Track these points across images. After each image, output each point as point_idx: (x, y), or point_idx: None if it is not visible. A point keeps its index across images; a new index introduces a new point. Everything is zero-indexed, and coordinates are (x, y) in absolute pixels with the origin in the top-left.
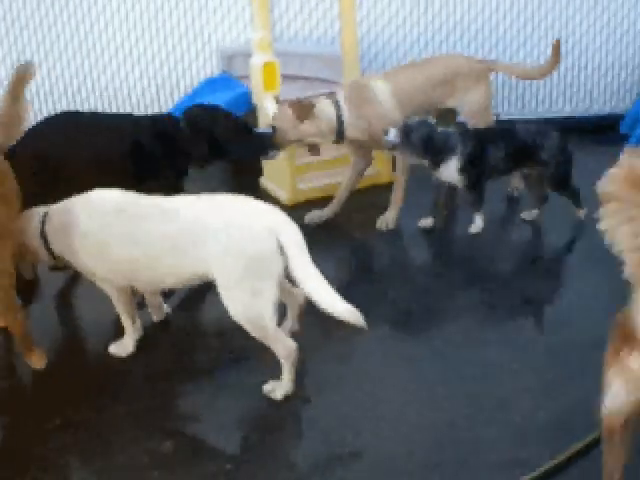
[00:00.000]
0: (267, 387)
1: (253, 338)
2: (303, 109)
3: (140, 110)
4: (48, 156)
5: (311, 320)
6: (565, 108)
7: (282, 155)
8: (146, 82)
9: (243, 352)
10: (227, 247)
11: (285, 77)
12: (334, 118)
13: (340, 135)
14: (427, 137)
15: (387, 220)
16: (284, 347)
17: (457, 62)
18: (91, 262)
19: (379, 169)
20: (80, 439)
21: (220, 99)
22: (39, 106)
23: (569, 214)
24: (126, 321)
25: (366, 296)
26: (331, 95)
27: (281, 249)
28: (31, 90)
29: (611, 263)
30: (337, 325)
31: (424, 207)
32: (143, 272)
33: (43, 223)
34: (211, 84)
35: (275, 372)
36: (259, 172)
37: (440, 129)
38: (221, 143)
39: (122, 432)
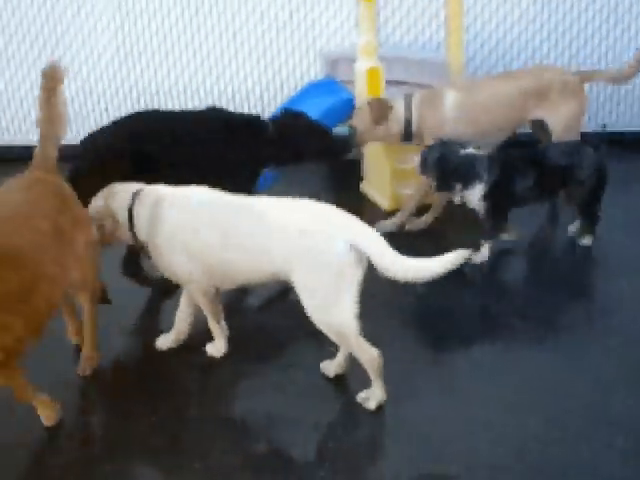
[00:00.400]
0: (361, 395)
1: None
2: (380, 111)
3: (244, 111)
4: (141, 149)
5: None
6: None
7: (382, 159)
8: (250, 84)
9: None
10: (310, 256)
11: (389, 82)
12: (402, 120)
13: (408, 137)
14: (442, 160)
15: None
16: (367, 355)
17: (550, 74)
18: (174, 258)
19: None
20: (173, 439)
21: (324, 104)
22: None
23: None
24: (212, 323)
25: (463, 308)
26: (407, 97)
27: (362, 258)
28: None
29: None
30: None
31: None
32: (224, 268)
33: (132, 201)
34: (315, 88)
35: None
36: (359, 177)
37: (466, 152)
38: (302, 149)
39: (216, 434)
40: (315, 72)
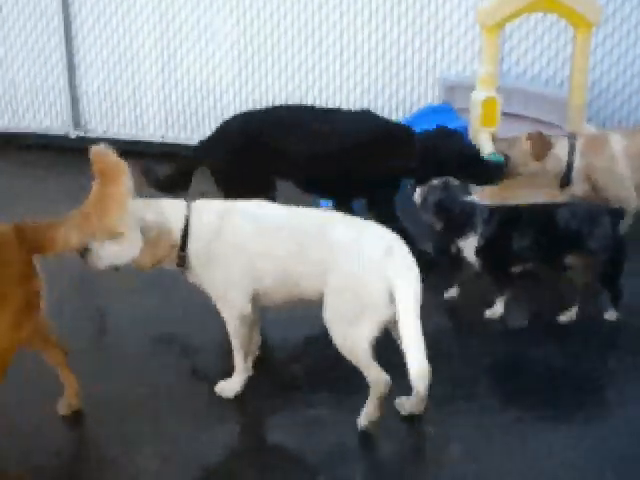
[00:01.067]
0: (361, 418)
1: None
2: (542, 148)
3: None
4: (276, 138)
5: None
6: None
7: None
8: (366, 102)
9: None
10: (344, 274)
11: (507, 115)
12: (564, 163)
13: (566, 181)
14: (441, 203)
15: None
16: (375, 375)
17: None
18: (231, 273)
19: None
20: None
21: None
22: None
23: None
24: (239, 356)
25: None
26: (570, 139)
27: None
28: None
29: None
30: None
31: None
32: (286, 282)
33: (189, 214)
34: (432, 113)
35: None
36: None
37: (467, 200)
38: (447, 168)
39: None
40: (432, 97)
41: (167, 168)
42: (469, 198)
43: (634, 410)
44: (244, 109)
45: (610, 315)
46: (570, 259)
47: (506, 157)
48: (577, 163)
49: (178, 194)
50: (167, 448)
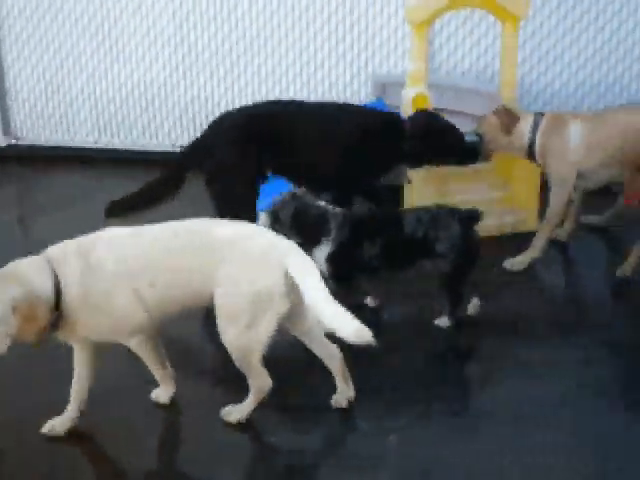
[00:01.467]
0: (225, 409)
1: None
2: (510, 121)
3: None
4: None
5: None
6: None
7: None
8: None
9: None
10: (236, 276)
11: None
12: (527, 139)
13: (529, 155)
14: (296, 215)
15: (514, 262)
16: (261, 382)
17: None
18: (121, 307)
19: (525, 216)
20: None
21: None
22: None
23: None
24: (158, 371)
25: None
26: (536, 116)
27: (291, 288)
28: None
29: None
30: None
31: None
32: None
33: (54, 271)
34: None
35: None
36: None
37: (320, 206)
38: (438, 151)
39: None
40: (366, 94)
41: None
42: (321, 204)
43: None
44: (177, 112)
45: (442, 322)
46: (424, 265)
47: (479, 135)
48: (538, 140)
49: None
50: None
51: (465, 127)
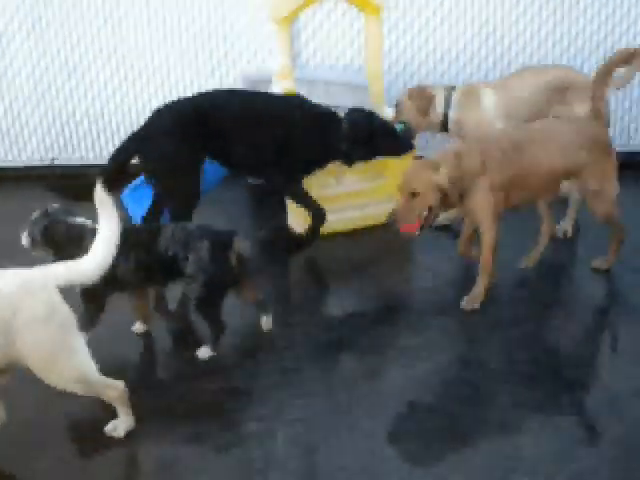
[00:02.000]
0: (108, 427)
1: None
2: (424, 102)
3: None
4: (211, 121)
5: None
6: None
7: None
8: None
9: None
10: (27, 317)
11: None
12: (442, 113)
13: (444, 128)
14: (47, 231)
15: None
16: (114, 390)
17: (572, 73)
18: None
19: None
20: None
21: None
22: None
23: None
24: None
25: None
26: (447, 90)
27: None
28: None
29: None
30: None
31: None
32: None
33: None
34: None
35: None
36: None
37: (75, 221)
38: (375, 147)
39: None
40: None
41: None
42: (77, 220)
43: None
44: (120, 128)
45: (202, 352)
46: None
47: (404, 123)
48: (452, 114)
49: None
50: None
51: None
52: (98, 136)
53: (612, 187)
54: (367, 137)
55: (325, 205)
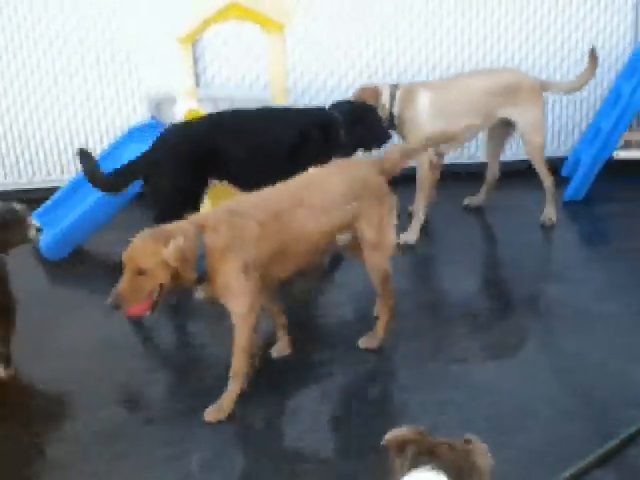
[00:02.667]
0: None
1: None
2: (370, 100)
3: (69, 156)
4: (213, 145)
5: None
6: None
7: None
8: (74, 129)
9: None
10: None
11: None
12: (388, 109)
13: (392, 125)
14: None
15: (407, 238)
16: None
17: (517, 75)
18: None
19: None
20: None
21: (147, 146)
22: None
23: None
24: None
25: None
26: (392, 88)
27: None
28: None
29: None
30: None
31: None
32: None
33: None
34: (137, 132)
35: None
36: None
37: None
38: (369, 134)
39: None
40: (141, 114)
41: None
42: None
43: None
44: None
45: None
46: None
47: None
48: (395, 111)
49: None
50: None
51: None
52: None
53: (390, 238)
54: (361, 119)
55: None
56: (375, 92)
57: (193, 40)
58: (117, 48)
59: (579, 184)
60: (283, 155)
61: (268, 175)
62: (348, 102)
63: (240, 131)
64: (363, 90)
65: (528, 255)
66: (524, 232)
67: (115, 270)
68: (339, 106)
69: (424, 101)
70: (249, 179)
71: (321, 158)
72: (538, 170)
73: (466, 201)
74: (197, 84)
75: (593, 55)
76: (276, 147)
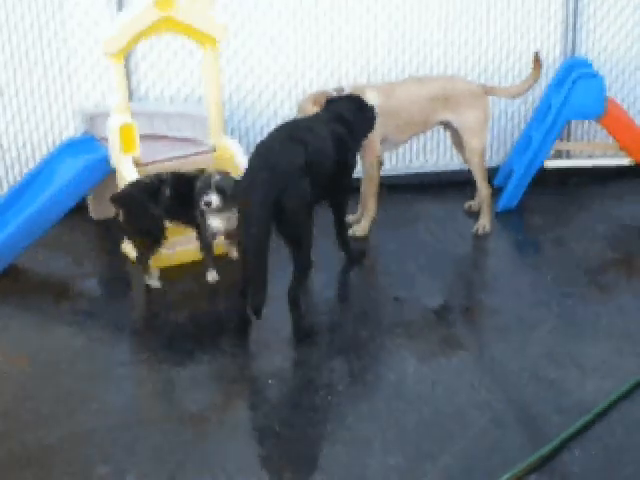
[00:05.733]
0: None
1: None
2: (321, 100)
3: (1, 172)
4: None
5: None
6: (438, 162)
7: None
8: (6, 144)
9: None
10: None
11: (150, 137)
12: None
13: None
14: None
15: (357, 229)
16: None
17: (456, 82)
18: None
19: None
20: None
21: (80, 161)
22: None
23: None
24: None
25: None
26: (339, 89)
27: None
28: None
29: None
30: None
31: None
32: None
33: None
34: (72, 146)
35: None
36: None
37: None
38: (369, 125)
39: None
40: (75, 128)
41: None
42: None
43: None
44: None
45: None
46: None
47: None
48: None
49: None
50: None
51: (175, 152)
52: None
53: None
54: (362, 109)
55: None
56: (322, 95)
57: (125, 54)
58: (50, 61)
59: (511, 194)
60: (332, 161)
61: (325, 185)
62: (344, 99)
63: (314, 144)
64: (315, 95)
65: (461, 265)
66: (458, 242)
67: (48, 287)
68: (338, 105)
69: (373, 102)
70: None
71: (352, 160)
72: (476, 177)
73: (466, 206)
74: (131, 99)
75: (537, 59)
76: (328, 156)
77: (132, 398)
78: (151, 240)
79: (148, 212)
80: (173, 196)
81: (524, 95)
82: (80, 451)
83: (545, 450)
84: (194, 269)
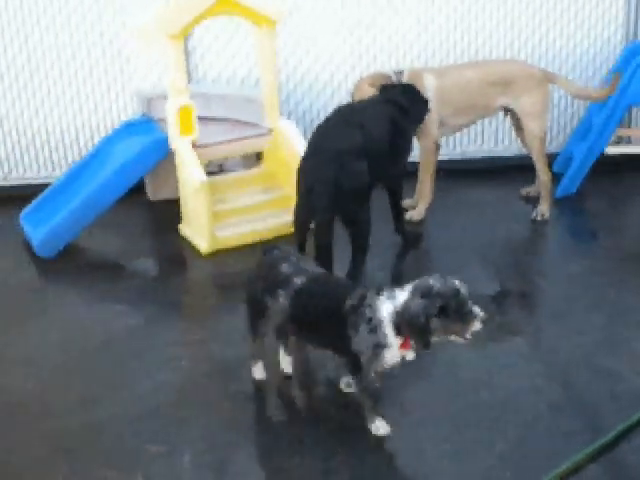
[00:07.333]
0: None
1: None
2: (376, 82)
3: (60, 153)
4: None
5: None
6: (496, 147)
7: (200, 200)
8: (65, 125)
9: None
10: None
11: (208, 119)
12: None
13: None
14: None
15: (413, 214)
16: None
17: (516, 65)
18: None
19: None
20: None
21: (137, 145)
22: None
23: None
24: None
25: None
26: (397, 74)
27: None
28: None
29: None
30: None
31: None
32: None
33: None
34: (129, 128)
35: None
36: (178, 218)
37: None
38: (423, 111)
39: None
40: (133, 110)
41: None
42: None
43: None
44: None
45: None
46: None
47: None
48: None
49: None
50: None
51: (232, 134)
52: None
53: None
54: (416, 96)
55: (222, 220)
56: (386, 78)
57: (184, 36)
58: (108, 43)
59: (571, 180)
60: (388, 144)
61: (380, 168)
62: (398, 86)
63: (370, 127)
64: (373, 77)
65: (517, 250)
66: (514, 227)
67: (104, 267)
68: (393, 91)
69: (430, 86)
70: (380, 172)
71: (407, 144)
72: (536, 162)
73: (523, 192)
74: (188, 80)
75: (617, 80)
76: (384, 139)
77: (184, 378)
78: None
79: None
80: None
81: (580, 99)
82: (132, 429)
83: (605, 440)
84: (253, 250)
